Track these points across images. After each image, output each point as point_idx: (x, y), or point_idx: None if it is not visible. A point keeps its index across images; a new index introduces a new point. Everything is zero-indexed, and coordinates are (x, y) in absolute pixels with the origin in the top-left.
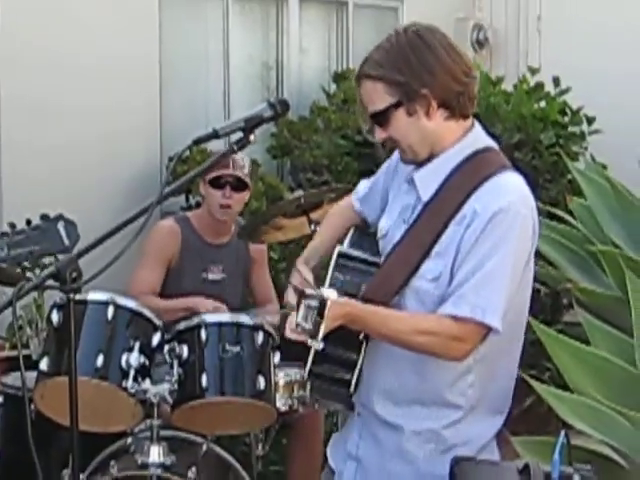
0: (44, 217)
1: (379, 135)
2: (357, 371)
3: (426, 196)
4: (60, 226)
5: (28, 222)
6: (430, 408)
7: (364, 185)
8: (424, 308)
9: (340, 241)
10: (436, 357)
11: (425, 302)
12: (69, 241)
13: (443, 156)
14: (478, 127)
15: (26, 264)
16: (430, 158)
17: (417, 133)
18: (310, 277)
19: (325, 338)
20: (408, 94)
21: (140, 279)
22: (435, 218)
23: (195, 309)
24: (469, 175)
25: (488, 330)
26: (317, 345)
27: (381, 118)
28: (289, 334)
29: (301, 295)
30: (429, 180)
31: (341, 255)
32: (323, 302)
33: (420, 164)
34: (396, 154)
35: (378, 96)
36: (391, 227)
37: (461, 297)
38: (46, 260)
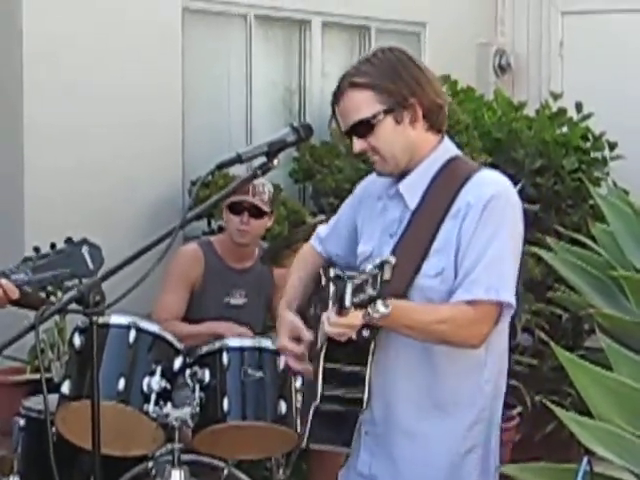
0: (68, 241)
1: (359, 146)
2: (367, 386)
3: (413, 204)
4: (84, 250)
5: (52, 246)
6: (449, 410)
7: (323, 228)
8: None
9: (314, 286)
10: (455, 345)
11: (433, 299)
12: (93, 265)
13: (423, 165)
14: (446, 137)
15: (50, 288)
16: (408, 169)
17: (401, 142)
18: (302, 325)
19: (331, 356)
20: (398, 102)
21: (164, 305)
22: (427, 220)
23: (222, 335)
24: (451, 177)
25: (500, 310)
26: (387, 309)
27: (366, 126)
28: (332, 329)
29: (340, 282)
30: (414, 189)
31: (338, 277)
32: (387, 262)
33: (399, 177)
34: (358, 189)
35: (366, 104)
36: (376, 246)
37: (473, 282)
38: (69, 283)
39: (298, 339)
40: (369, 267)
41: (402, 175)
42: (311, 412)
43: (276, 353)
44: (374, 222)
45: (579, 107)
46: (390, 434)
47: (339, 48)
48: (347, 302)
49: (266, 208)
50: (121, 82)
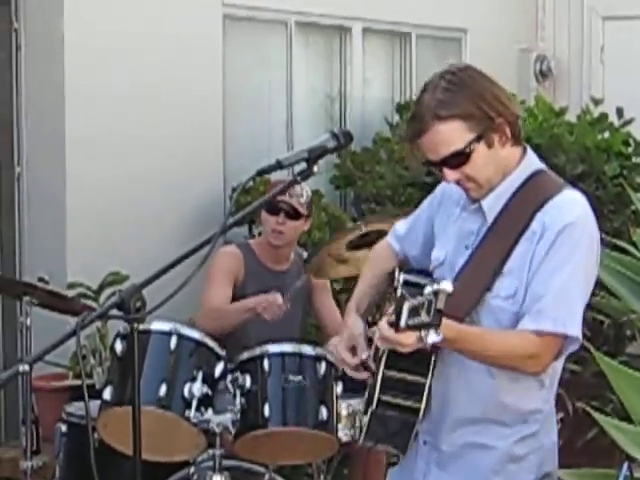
0: None
1: (453, 176)
2: (425, 397)
3: (491, 218)
4: None
5: None
6: (506, 428)
7: (402, 225)
8: (499, 325)
9: (387, 284)
10: (518, 371)
11: (501, 320)
12: None
13: (507, 181)
14: (529, 150)
15: (89, 292)
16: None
17: (494, 164)
18: (360, 330)
19: (392, 364)
20: (487, 125)
21: (211, 297)
22: (502, 237)
23: (256, 309)
24: (532, 195)
25: (564, 342)
26: (438, 337)
27: (460, 157)
28: (384, 343)
29: (399, 298)
30: (496, 204)
31: (406, 283)
32: (439, 291)
33: None
34: (439, 190)
35: (457, 135)
36: (449, 254)
37: (541, 312)
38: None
39: (353, 349)
40: (427, 290)
41: None
42: (367, 416)
43: (316, 359)
44: (450, 227)
45: (620, 112)
46: (443, 447)
47: (380, 54)
48: (402, 322)
49: (302, 210)
50: (162, 90)
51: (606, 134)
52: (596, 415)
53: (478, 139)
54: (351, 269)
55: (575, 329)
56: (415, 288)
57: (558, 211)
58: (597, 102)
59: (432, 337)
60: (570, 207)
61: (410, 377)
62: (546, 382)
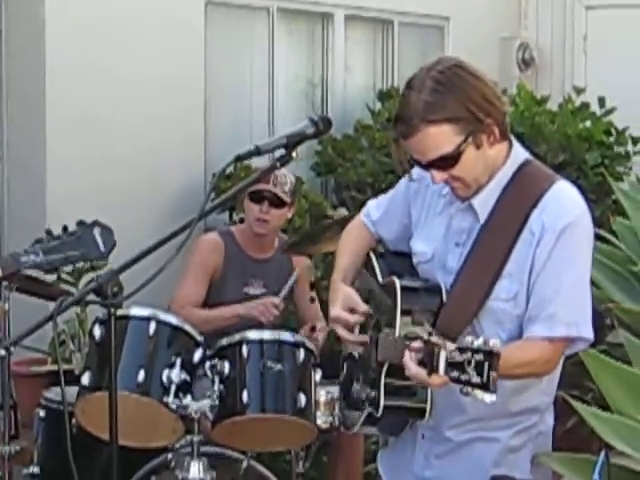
0: (80, 223)
1: (440, 177)
2: (430, 397)
3: (484, 217)
4: (96, 232)
5: (64, 228)
6: (507, 422)
7: (375, 207)
8: (501, 328)
9: (365, 266)
10: (531, 377)
11: (503, 322)
12: (105, 247)
13: (496, 178)
14: (515, 142)
15: (69, 278)
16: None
17: (482, 164)
18: (359, 299)
19: (393, 373)
20: (475, 127)
21: (185, 292)
22: (499, 237)
23: (247, 316)
24: (523, 190)
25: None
26: (490, 398)
27: (449, 160)
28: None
29: (434, 346)
30: (486, 202)
31: (404, 289)
32: (494, 354)
33: None
34: (415, 175)
35: (446, 139)
36: (437, 251)
37: (552, 317)
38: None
39: (351, 310)
40: (467, 340)
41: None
42: (363, 414)
43: (295, 345)
44: (434, 220)
45: (602, 102)
46: (446, 441)
47: (362, 41)
48: (441, 371)
49: (287, 198)
50: (144, 75)
51: (588, 123)
52: (576, 404)
53: (466, 141)
54: (328, 247)
55: (588, 331)
56: (413, 293)
57: (556, 210)
58: (579, 91)
59: (484, 397)
60: (567, 205)
61: (412, 383)
62: (545, 377)
